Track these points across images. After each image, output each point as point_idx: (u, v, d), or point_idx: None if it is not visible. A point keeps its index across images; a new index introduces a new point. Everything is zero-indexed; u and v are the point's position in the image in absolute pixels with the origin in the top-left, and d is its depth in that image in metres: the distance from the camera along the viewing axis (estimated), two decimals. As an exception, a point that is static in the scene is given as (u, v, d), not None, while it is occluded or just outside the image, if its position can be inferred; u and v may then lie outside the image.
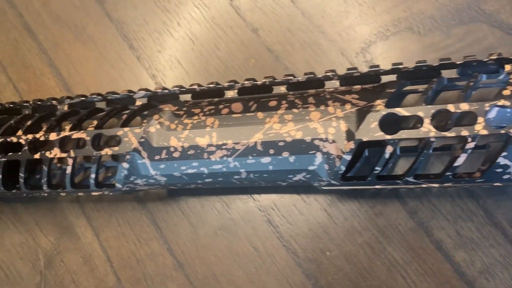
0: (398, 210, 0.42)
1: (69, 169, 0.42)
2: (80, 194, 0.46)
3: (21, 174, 0.45)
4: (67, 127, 0.42)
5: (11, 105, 0.48)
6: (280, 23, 0.49)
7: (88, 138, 0.41)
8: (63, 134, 0.42)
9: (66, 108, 0.46)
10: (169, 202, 0.49)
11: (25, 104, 0.47)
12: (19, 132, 0.44)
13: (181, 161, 0.39)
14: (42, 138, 0.43)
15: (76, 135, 0.42)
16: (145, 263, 0.48)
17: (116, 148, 0.40)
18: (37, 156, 0.43)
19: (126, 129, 0.40)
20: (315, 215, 0.44)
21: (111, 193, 0.44)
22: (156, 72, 0.52)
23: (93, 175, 0.42)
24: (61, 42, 0.56)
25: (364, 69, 0.38)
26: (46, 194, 0.46)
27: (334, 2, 0.47)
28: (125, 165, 0.40)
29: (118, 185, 0.42)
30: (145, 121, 0.40)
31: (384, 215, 0.43)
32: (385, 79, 0.38)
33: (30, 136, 0.43)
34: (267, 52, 0.48)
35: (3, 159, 0.44)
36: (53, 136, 0.42)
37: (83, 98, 0.45)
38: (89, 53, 0.54)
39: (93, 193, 0.44)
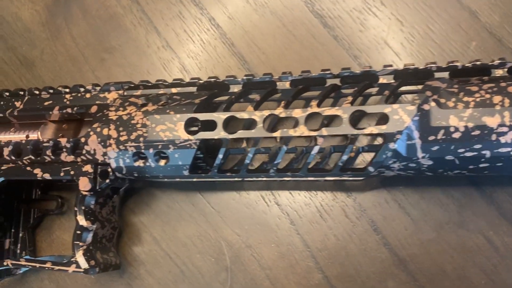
0: None
1: (316, 150, 0.38)
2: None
3: (250, 155, 0.40)
4: (314, 103, 0.38)
5: (217, 80, 0.43)
6: (501, 6, 0.46)
7: (345, 116, 0.37)
8: (310, 110, 0.38)
9: (287, 85, 0.42)
10: (381, 193, 0.45)
11: (235, 79, 0.43)
12: (249, 108, 0.40)
13: (461, 142, 0.35)
14: (283, 115, 0.38)
15: (329, 111, 0.37)
16: (358, 259, 0.44)
17: (383, 127, 0.36)
18: (277, 134, 0.38)
19: (395, 105, 0.36)
20: (560, 209, 0.41)
21: (350, 179, 0.40)
22: (358, 52, 0.48)
23: (345, 157, 0.38)
24: (238, 17, 0.51)
25: None
26: (264, 179, 0.41)
27: (563, -14, 0.45)
28: (392, 145, 0.36)
29: (371, 169, 0.38)
30: (416, 97, 0.36)
31: None
32: None
33: (266, 113, 0.39)
34: (489, 35, 0.45)
35: (231, 136, 0.39)
36: (297, 113, 0.38)
37: (312, 75, 0.41)
38: (274, 30, 0.50)
39: (328, 178, 0.40)
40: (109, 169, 0.44)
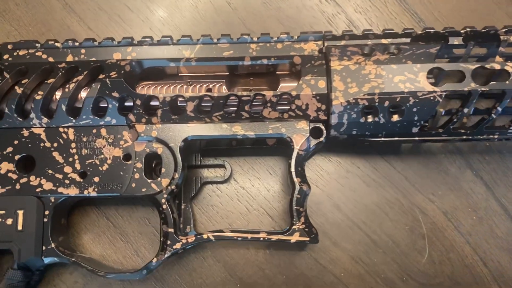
0: None
1: None
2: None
3: (499, 109, 0.37)
4: None
5: (437, 31, 0.40)
6: None
7: None
8: None
9: (512, 39, 0.40)
10: None
11: (456, 30, 0.40)
12: (498, 59, 0.37)
13: None
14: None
15: None
16: (556, 220, 0.44)
17: None
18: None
19: None
20: None
21: None
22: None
23: None
24: (408, -28, 0.48)
25: None
26: (497, 137, 0.39)
27: None
28: None
29: None
30: None
31: None
32: None
33: (520, 63, 0.37)
34: None
35: (483, 88, 0.37)
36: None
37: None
38: (447, -12, 0.48)
39: None
40: (322, 126, 0.39)
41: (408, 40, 0.40)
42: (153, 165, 0.41)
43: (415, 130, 0.38)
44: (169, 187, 0.38)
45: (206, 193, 0.45)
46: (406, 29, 0.40)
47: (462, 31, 0.40)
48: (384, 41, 0.40)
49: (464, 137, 0.40)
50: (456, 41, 0.40)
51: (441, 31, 0.40)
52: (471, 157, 0.45)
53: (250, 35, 0.41)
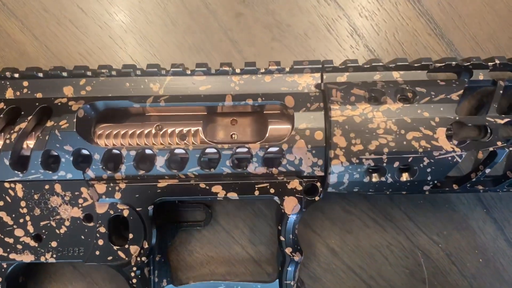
0: None
1: None
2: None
3: (527, 168, 0.32)
4: None
5: (459, 64, 0.33)
6: None
7: None
8: None
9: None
10: None
11: (482, 62, 0.33)
12: (534, 109, 0.31)
13: None
14: None
15: None
16: None
17: None
18: None
19: None
20: None
21: None
22: None
23: None
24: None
25: None
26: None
27: None
28: None
29: None
30: None
31: None
32: None
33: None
34: None
35: None
36: None
37: None
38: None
39: None
40: (318, 184, 0.33)
41: (424, 72, 0.33)
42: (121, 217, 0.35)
43: (426, 188, 0.33)
44: (138, 259, 0.33)
45: (184, 237, 0.40)
46: (423, 59, 0.33)
47: (489, 63, 0.33)
48: (395, 74, 0.33)
49: (481, 192, 0.34)
50: (481, 74, 0.33)
51: (465, 64, 0.33)
52: (483, 193, 0.40)
53: (232, 66, 0.33)
